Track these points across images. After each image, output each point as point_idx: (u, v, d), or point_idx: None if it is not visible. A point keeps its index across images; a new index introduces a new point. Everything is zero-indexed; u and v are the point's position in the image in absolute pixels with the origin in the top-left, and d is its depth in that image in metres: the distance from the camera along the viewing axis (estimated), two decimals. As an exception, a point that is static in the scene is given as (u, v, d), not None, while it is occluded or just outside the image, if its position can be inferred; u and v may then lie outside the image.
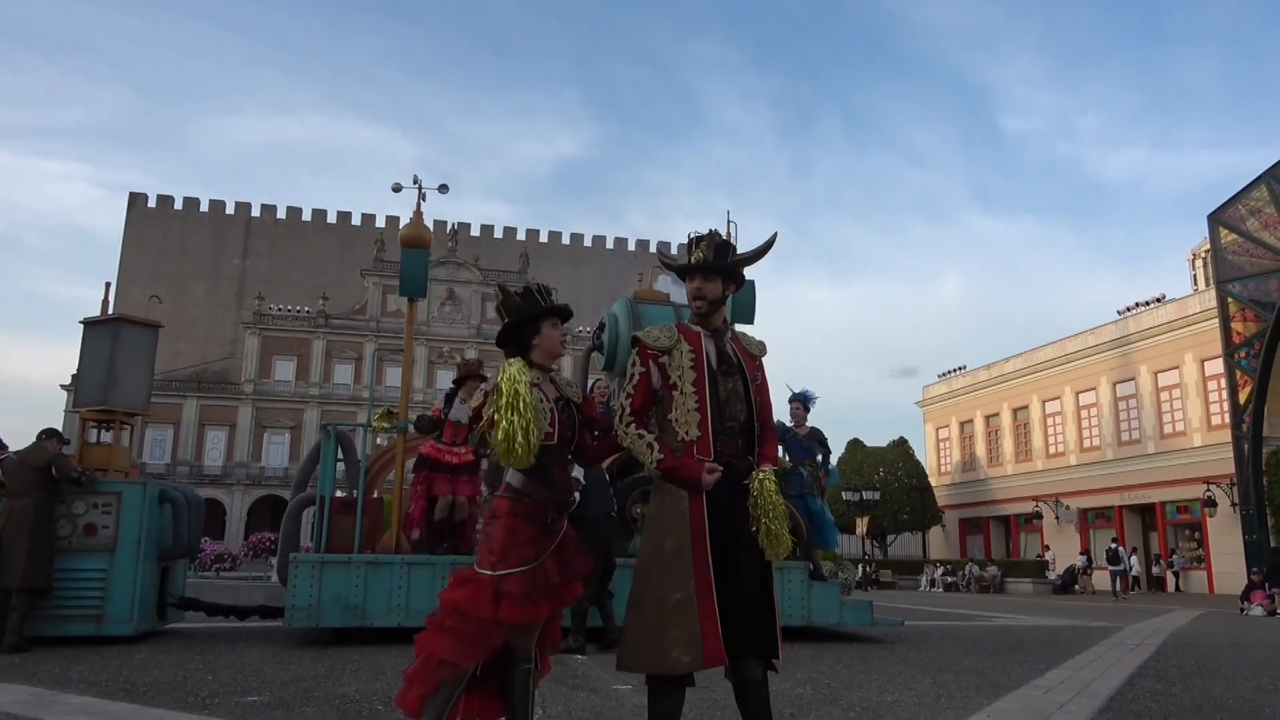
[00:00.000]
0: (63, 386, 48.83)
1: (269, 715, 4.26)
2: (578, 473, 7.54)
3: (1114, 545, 28.16)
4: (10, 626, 6.84)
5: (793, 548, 9.06)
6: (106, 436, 8.44)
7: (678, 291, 10.04)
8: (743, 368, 3.14)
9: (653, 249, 75.41)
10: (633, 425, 3.05)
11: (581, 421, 3.27)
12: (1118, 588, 26.10)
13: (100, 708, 4.42)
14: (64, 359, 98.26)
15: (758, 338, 3.33)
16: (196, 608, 8.68)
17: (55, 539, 7.29)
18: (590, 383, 9.61)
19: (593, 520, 7.32)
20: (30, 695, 4.78)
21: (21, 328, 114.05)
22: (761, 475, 3.01)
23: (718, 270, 3.15)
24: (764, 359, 3.27)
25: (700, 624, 2.85)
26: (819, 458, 9.56)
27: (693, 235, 3.23)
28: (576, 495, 7.59)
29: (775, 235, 3.31)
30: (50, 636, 7.17)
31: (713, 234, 3.21)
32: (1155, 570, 31.39)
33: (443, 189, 9.51)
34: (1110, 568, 27.06)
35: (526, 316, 3.20)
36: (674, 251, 62.21)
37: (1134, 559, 29.33)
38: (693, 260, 3.16)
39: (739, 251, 3.25)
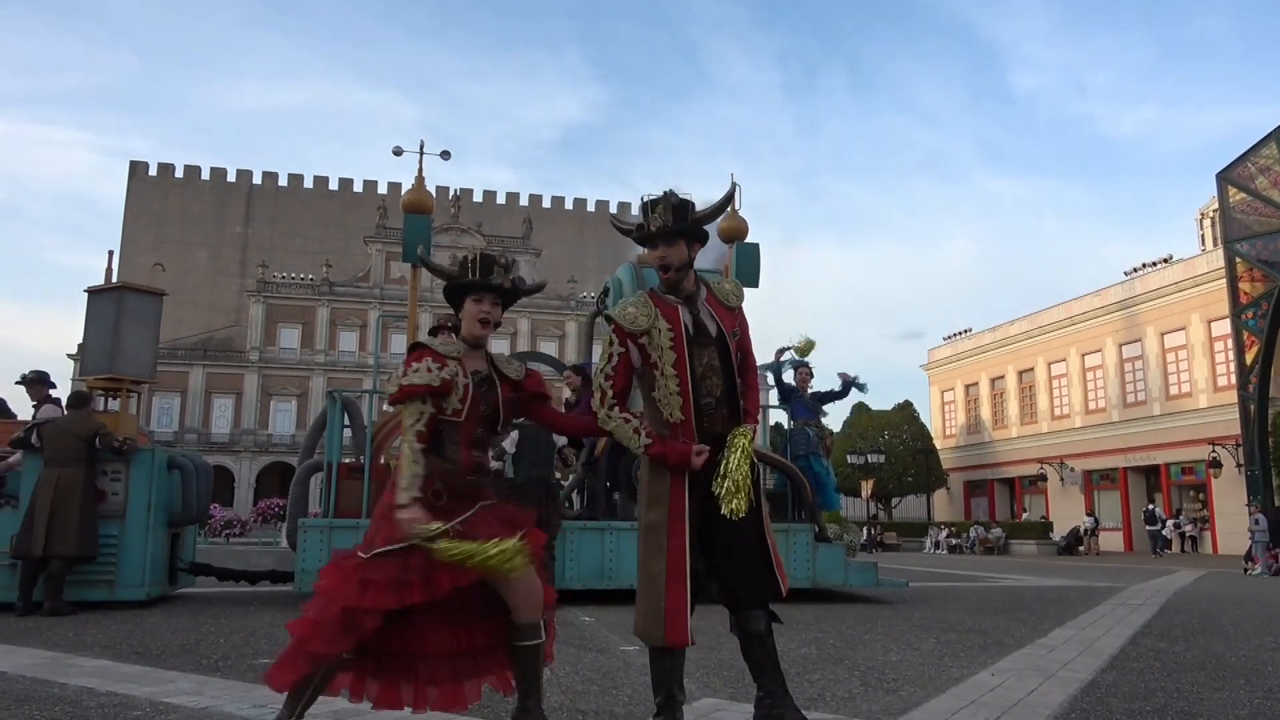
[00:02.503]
0: (69, 355, 48.98)
1: (281, 677, 4.31)
2: (511, 439, 7.63)
3: (1151, 506, 29.11)
4: (49, 591, 6.97)
5: (797, 510, 9.09)
6: (114, 405, 8.47)
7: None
8: (720, 333, 3.05)
9: (656, 213, 74.98)
10: (615, 409, 3.00)
11: (528, 398, 3.14)
12: (1158, 547, 27.44)
13: (114, 670, 4.48)
14: (69, 327, 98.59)
15: (730, 283, 3.22)
16: (207, 573, 8.76)
17: (95, 507, 7.39)
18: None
19: (522, 485, 7.47)
20: (46, 658, 4.84)
21: (27, 296, 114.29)
22: (737, 433, 2.98)
23: (680, 233, 3.01)
24: (744, 306, 3.18)
25: (665, 604, 2.88)
26: (838, 389, 9.61)
27: (647, 199, 3.05)
28: (500, 464, 7.71)
29: (735, 186, 3.25)
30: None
31: (668, 195, 3.04)
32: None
33: (444, 155, 9.48)
34: (1149, 528, 28.36)
35: (449, 286, 3.07)
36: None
37: (1171, 521, 29.59)
38: (652, 229, 3.01)
39: (698, 209, 3.08)
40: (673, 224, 2.99)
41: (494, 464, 8.08)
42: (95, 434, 7.37)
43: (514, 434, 7.75)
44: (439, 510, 2.84)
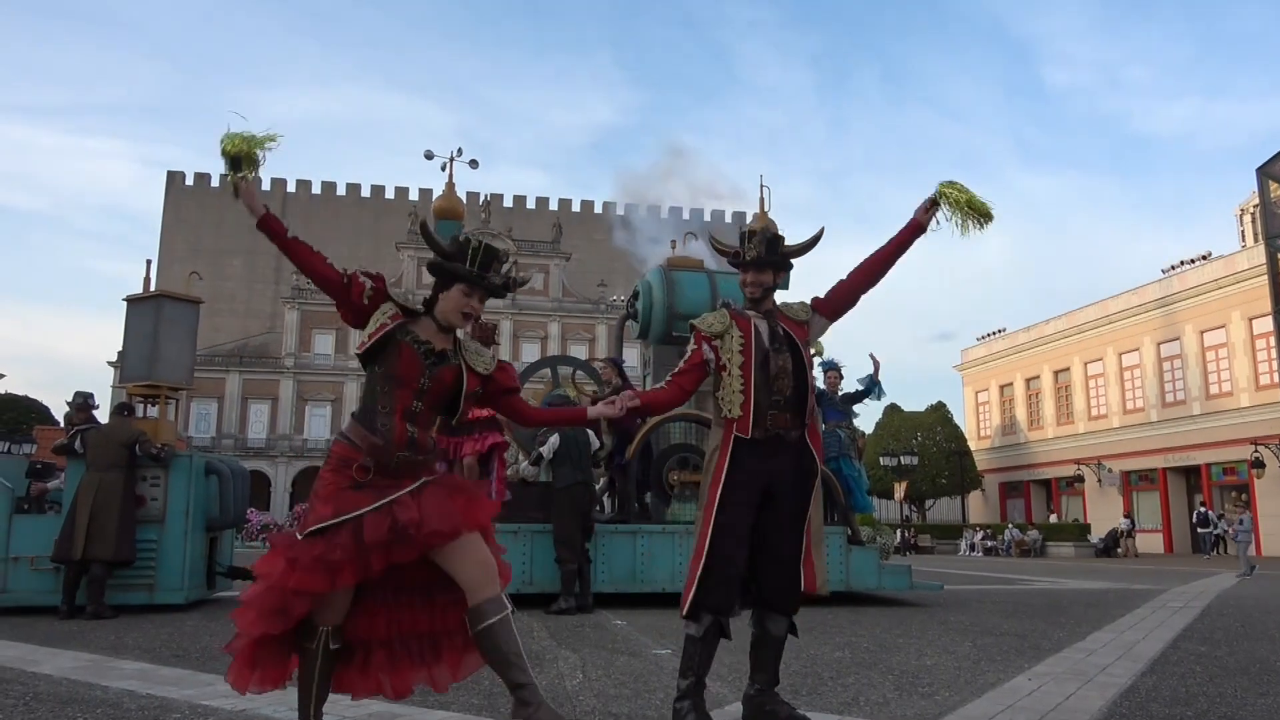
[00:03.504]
0: (109, 363, 49.89)
1: (317, 680, 4.36)
2: (550, 445, 7.69)
3: (1203, 509, 28.83)
4: (92, 595, 7.10)
5: (829, 513, 9.05)
6: (153, 411, 8.62)
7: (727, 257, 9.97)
8: (794, 343, 3.42)
9: (685, 216, 74.97)
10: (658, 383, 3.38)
11: (499, 391, 3.05)
12: (1210, 549, 27.46)
13: (154, 673, 4.55)
14: (110, 335, 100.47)
15: (796, 301, 3.60)
16: (245, 576, 8.86)
17: (134, 513, 7.52)
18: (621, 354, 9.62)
19: (566, 490, 7.71)
20: (88, 661, 4.93)
21: (68, 304, 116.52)
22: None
23: (770, 263, 3.46)
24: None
25: (687, 578, 3.28)
26: (869, 388, 9.56)
27: (745, 230, 3.59)
28: (536, 471, 7.76)
29: (822, 230, 3.63)
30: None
31: (764, 229, 3.55)
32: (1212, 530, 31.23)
33: (473, 164, 9.53)
34: (1200, 530, 28.32)
35: (438, 267, 2.97)
36: (708, 220, 62.06)
37: (1222, 522, 29.11)
38: (747, 257, 3.46)
39: (788, 244, 3.55)
40: (764, 255, 3.45)
41: (528, 471, 8.13)
42: (135, 441, 7.51)
43: (552, 439, 7.79)
44: (366, 487, 2.73)
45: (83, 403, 8.28)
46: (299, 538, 2.72)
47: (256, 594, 2.71)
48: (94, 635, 6.03)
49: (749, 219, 10.40)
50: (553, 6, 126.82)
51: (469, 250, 2.92)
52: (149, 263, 10.19)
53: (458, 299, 2.93)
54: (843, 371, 9.61)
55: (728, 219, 76.06)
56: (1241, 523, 18.95)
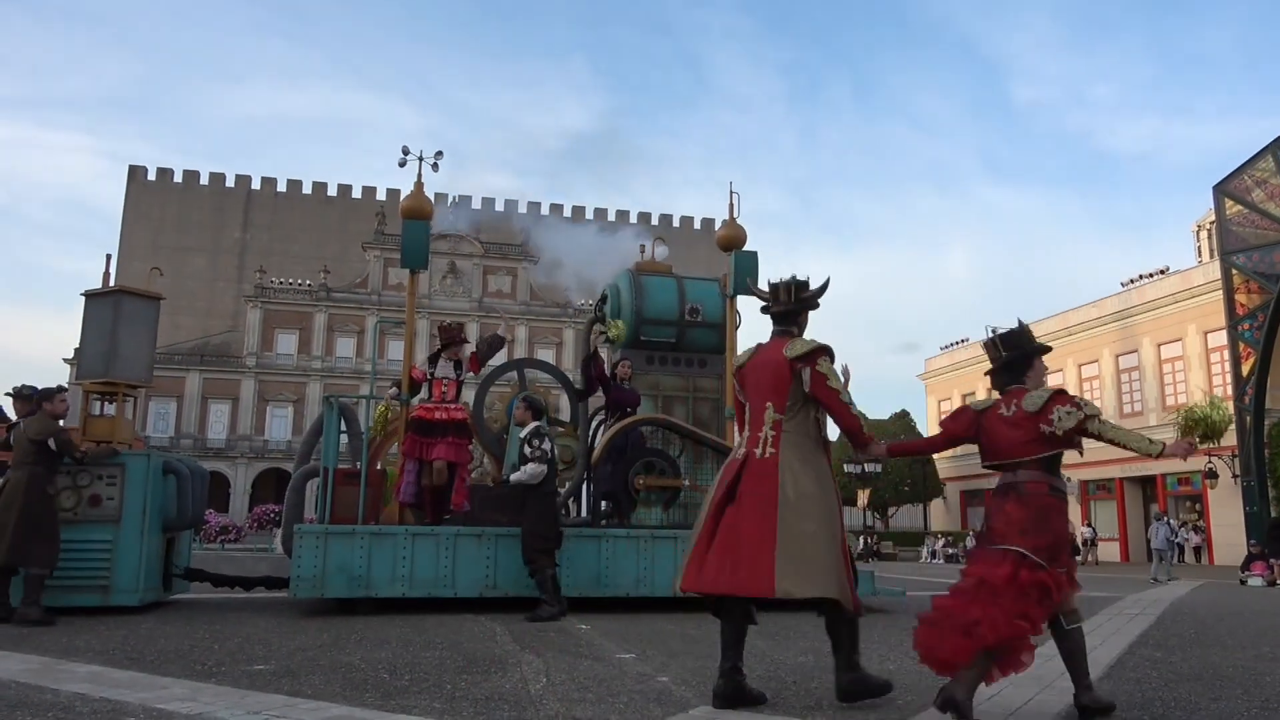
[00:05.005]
0: (65, 360, 48.87)
1: (275, 684, 4.29)
2: (549, 448, 7.65)
3: (1166, 519, 29.10)
4: (24, 597, 6.67)
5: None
6: (110, 409, 8.45)
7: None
8: None
9: (654, 221, 75.06)
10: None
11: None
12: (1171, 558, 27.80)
13: (107, 676, 4.46)
14: (66, 332, 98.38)
15: (800, 341, 4.18)
16: (202, 578, 8.73)
17: (51, 513, 6.99)
18: (617, 358, 9.57)
19: (550, 494, 7.83)
20: (38, 664, 4.82)
21: (23, 300, 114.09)
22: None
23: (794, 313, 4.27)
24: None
25: (850, 580, 4.00)
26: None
27: (775, 282, 4.29)
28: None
29: (829, 279, 4.24)
30: (57, 607, 7.19)
31: (790, 279, 4.26)
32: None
33: (437, 158, 9.34)
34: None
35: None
36: (674, 226, 62.14)
37: (1184, 532, 29.62)
38: (774, 309, 4.24)
39: (810, 288, 4.29)
40: (791, 304, 4.22)
41: (533, 471, 7.77)
42: (47, 436, 6.96)
43: (546, 443, 7.64)
44: None
45: (17, 394, 7.63)
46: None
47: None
48: (45, 638, 5.89)
49: (718, 225, 10.42)
50: (527, 10, 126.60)
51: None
52: (109, 257, 10.01)
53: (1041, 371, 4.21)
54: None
55: (696, 226, 76.36)
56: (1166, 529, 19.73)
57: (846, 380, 4.16)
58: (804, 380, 4.00)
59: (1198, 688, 4.72)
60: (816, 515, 3.87)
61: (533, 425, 7.73)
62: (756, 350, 4.25)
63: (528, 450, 7.63)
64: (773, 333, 4.26)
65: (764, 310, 4.32)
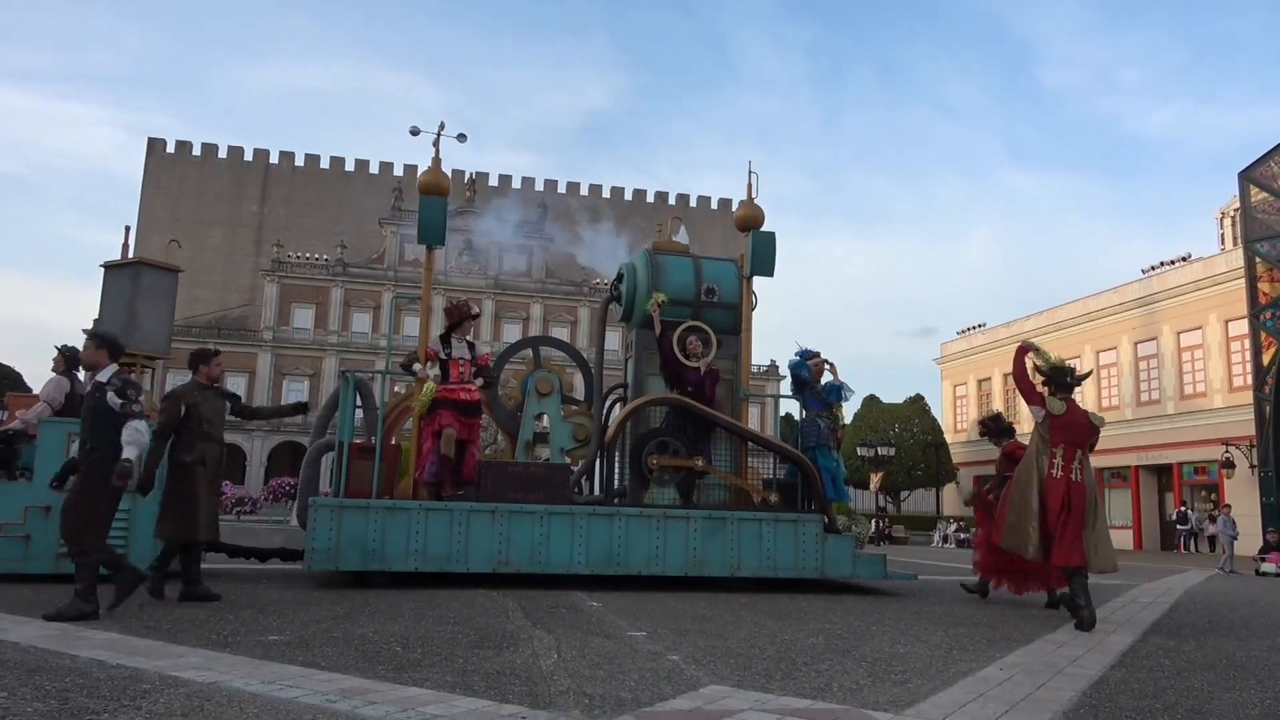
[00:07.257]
0: (84, 330, 49.28)
1: (289, 654, 4.33)
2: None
3: (1182, 508, 30.01)
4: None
5: (807, 501, 9.13)
6: (128, 380, 8.48)
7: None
8: None
9: (672, 201, 74.78)
10: None
11: None
12: (1188, 546, 29.07)
13: (125, 643, 4.51)
14: (86, 303, 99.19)
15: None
16: (218, 549, 8.79)
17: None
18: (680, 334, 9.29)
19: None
20: (57, 630, 4.88)
21: (43, 271, 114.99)
22: None
23: None
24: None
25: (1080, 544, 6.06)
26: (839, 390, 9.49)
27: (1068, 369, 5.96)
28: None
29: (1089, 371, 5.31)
30: (74, 575, 7.27)
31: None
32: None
33: (460, 138, 9.39)
34: (1180, 528, 29.68)
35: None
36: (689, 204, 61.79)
37: (1205, 522, 29.59)
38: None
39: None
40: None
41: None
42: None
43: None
44: None
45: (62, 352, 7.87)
46: None
47: None
48: (62, 605, 5.94)
49: (735, 206, 10.35)
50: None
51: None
52: (128, 230, 10.04)
53: None
54: (825, 359, 9.56)
55: (713, 205, 76.01)
56: (1229, 522, 19.55)
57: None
58: None
59: (1211, 677, 4.70)
60: None
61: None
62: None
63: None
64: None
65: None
